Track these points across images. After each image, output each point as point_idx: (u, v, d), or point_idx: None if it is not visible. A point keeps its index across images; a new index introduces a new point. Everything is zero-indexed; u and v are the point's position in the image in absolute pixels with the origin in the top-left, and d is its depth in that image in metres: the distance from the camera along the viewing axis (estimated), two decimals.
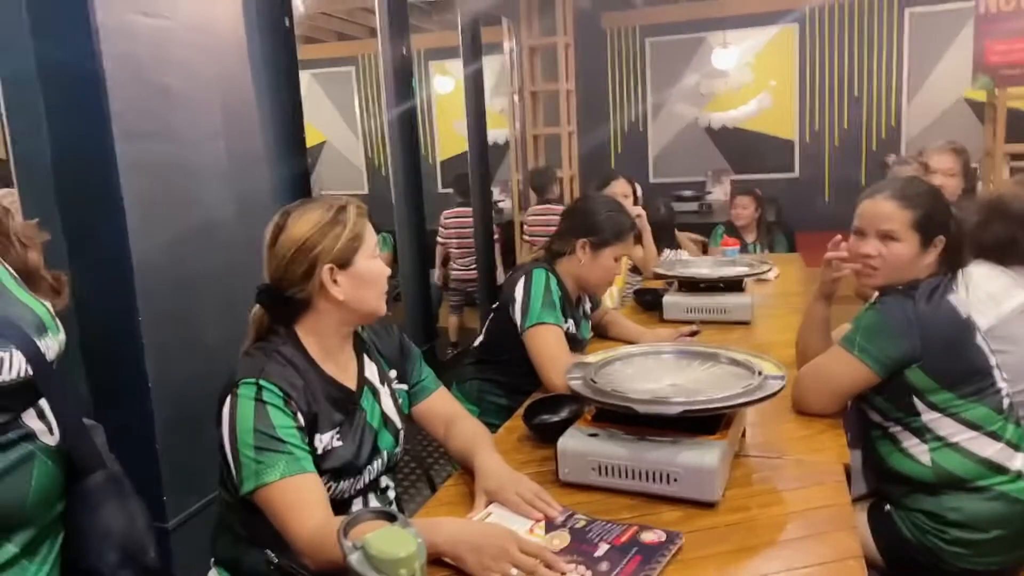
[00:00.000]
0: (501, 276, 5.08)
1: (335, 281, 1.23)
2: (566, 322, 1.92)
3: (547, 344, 1.81)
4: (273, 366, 1.20)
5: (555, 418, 1.54)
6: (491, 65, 5.28)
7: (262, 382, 1.17)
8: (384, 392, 1.38)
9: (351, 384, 1.32)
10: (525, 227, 4.86)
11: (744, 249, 4.41)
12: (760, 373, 1.37)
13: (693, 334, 2.06)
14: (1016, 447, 1.50)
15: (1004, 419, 1.50)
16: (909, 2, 6.30)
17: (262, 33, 2.53)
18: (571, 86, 5.12)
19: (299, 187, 2.76)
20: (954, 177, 2.65)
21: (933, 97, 6.44)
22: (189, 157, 2.09)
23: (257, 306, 1.28)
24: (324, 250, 1.22)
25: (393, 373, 1.42)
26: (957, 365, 1.47)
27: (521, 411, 1.63)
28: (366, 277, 1.26)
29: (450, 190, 7.56)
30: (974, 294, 1.78)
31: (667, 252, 3.55)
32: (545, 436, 1.48)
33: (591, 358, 1.52)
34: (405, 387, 1.44)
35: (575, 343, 1.98)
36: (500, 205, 6.31)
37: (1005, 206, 1.82)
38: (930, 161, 2.70)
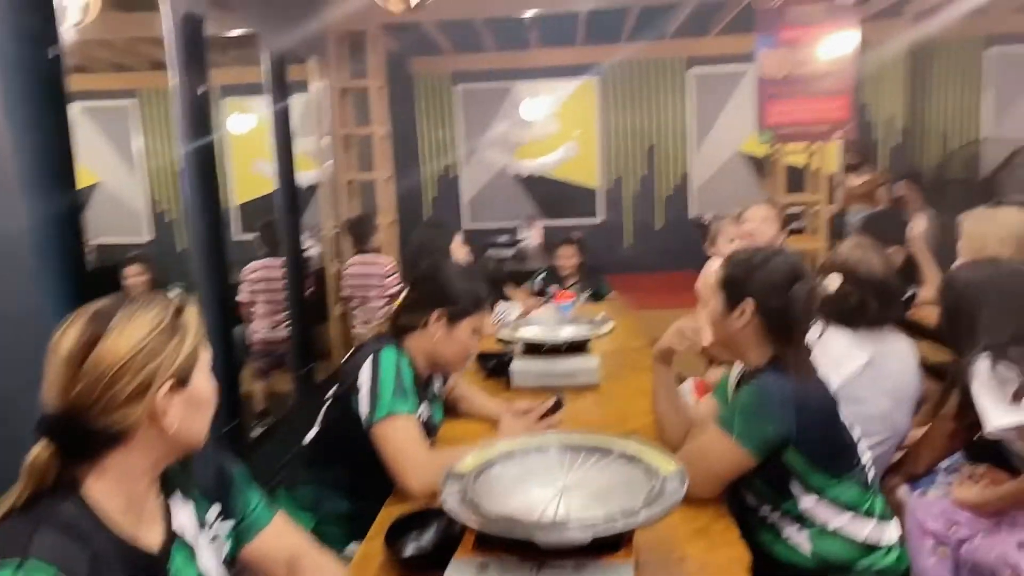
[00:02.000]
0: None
1: (168, 406, 0.93)
2: (419, 408, 1.67)
3: (402, 440, 1.55)
4: (45, 537, 0.84)
5: (425, 543, 1.28)
6: (296, 105, 4.92)
7: (29, 565, 0.81)
8: (203, 543, 1.04)
9: (155, 542, 0.97)
10: (343, 281, 4.52)
11: None
12: (656, 471, 1.23)
13: (556, 407, 1.88)
14: (884, 518, 1.50)
15: (872, 494, 1.49)
16: (692, 63, 6.88)
17: (21, 63, 2.05)
18: (385, 131, 4.90)
19: (66, 237, 2.25)
20: (767, 222, 2.79)
21: (715, 149, 7.05)
22: None
23: (42, 445, 0.90)
24: (163, 366, 0.92)
25: (214, 511, 1.09)
26: (828, 442, 1.45)
27: (377, 530, 1.36)
28: (201, 398, 0.98)
29: (249, 236, 6.95)
30: (820, 358, 1.80)
31: (500, 305, 3.43)
32: (415, 566, 1.23)
33: (463, 465, 1.29)
34: (231, 524, 1.12)
35: (428, 429, 1.74)
36: (307, 254, 5.88)
37: (852, 270, 1.89)
38: (745, 212, 2.84)
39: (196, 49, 3.04)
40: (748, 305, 1.49)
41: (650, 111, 7.00)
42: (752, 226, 2.83)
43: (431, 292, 1.74)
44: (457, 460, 1.32)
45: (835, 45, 4.70)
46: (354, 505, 1.66)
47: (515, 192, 7.20)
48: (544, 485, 1.24)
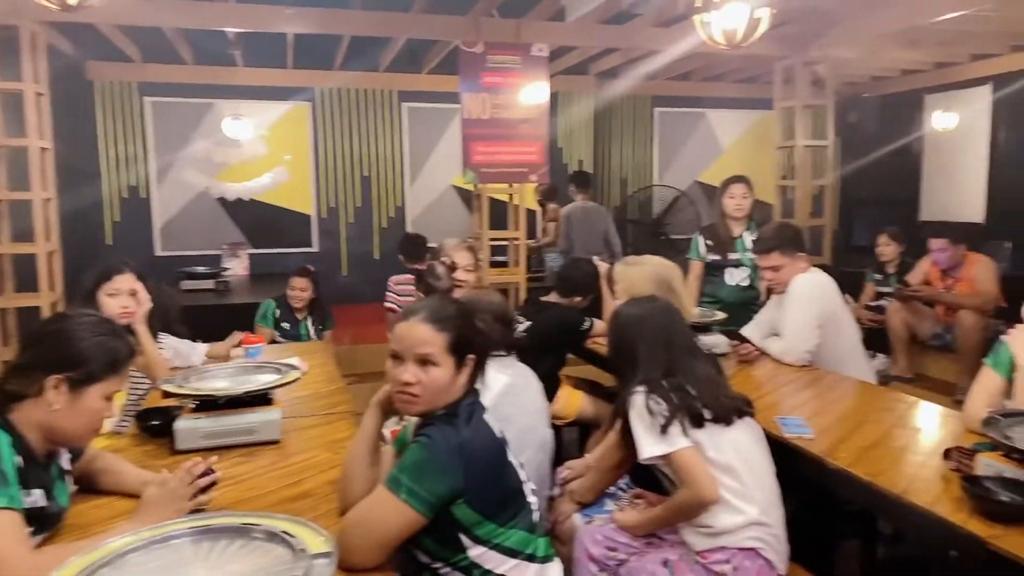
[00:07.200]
0: None
1: None
2: (30, 495, 1.36)
3: None
4: None
5: None
6: None
7: None
8: None
9: None
10: None
11: (296, 328, 4.22)
12: (303, 551, 1.11)
13: (207, 475, 1.61)
14: (547, 559, 1.55)
15: (536, 537, 1.53)
16: (406, 97, 6.99)
17: None
18: (46, 143, 4.20)
19: None
20: (472, 272, 2.93)
21: (429, 182, 7.22)
22: None
23: None
24: None
25: None
26: (497, 492, 1.46)
27: None
28: None
29: None
30: None
31: (184, 345, 3.04)
32: None
33: (62, 573, 1.05)
34: None
35: (48, 519, 1.43)
36: None
37: (475, 308, 2.06)
38: (455, 258, 2.94)
39: None
40: (471, 361, 1.54)
41: (365, 141, 6.97)
42: (461, 275, 3.00)
43: (47, 353, 1.44)
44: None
45: (531, 94, 5.06)
46: None
47: (218, 218, 6.66)
48: None
